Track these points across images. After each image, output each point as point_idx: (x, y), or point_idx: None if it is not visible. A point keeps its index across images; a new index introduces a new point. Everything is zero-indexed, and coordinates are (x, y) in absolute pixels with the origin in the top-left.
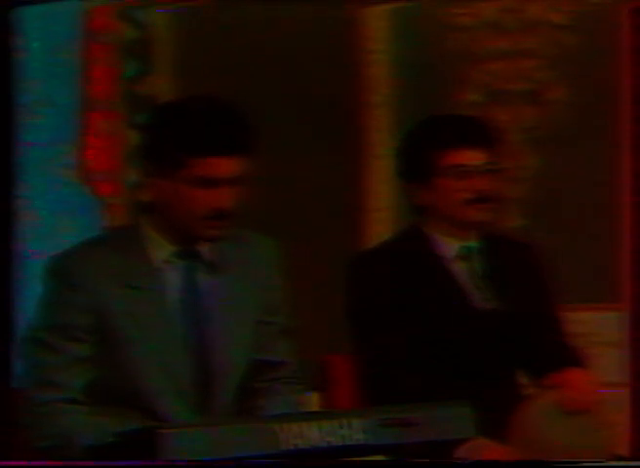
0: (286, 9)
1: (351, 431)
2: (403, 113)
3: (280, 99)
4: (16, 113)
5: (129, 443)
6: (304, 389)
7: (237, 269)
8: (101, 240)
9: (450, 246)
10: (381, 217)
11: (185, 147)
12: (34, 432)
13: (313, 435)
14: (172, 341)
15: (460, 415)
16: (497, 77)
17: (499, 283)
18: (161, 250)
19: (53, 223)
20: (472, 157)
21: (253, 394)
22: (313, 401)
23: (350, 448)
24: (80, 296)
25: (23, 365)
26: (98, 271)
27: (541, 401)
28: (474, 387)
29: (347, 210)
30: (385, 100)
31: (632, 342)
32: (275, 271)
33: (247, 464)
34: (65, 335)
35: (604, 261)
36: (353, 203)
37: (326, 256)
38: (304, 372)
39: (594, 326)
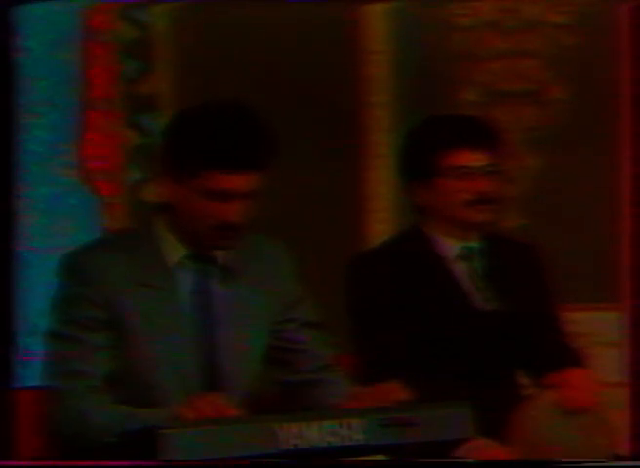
0: (286, 9)
1: (351, 431)
2: (403, 113)
3: (280, 99)
4: (16, 113)
5: (129, 443)
6: (347, 378)
7: (250, 274)
8: (115, 238)
9: (450, 246)
10: (382, 218)
11: (199, 159)
12: (58, 422)
13: (313, 435)
14: (182, 342)
15: (460, 415)
16: (497, 77)
17: (499, 283)
18: (175, 251)
19: (53, 223)
20: (474, 158)
21: (301, 388)
22: None
23: (350, 448)
24: (94, 292)
25: (46, 360)
26: (111, 268)
27: (541, 401)
28: (474, 387)
29: (348, 210)
30: (385, 100)
31: (632, 342)
32: (289, 273)
33: (247, 464)
34: (83, 327)
35: (604, 261)
36: (353, 203)
37: (326, 257)
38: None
39: (594, 326)
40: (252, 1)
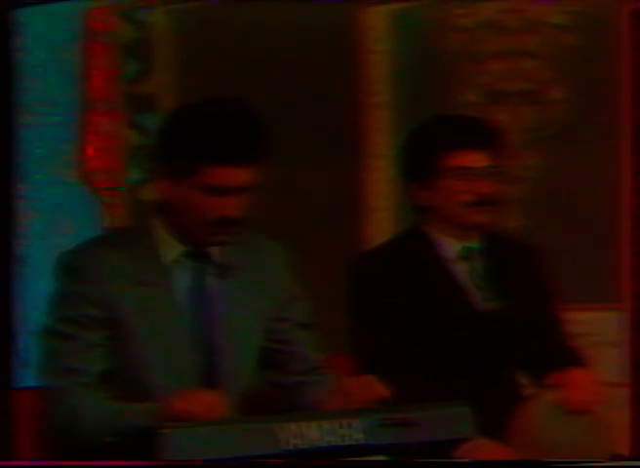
0: (286, 9)
1: (351, 431)
2: (403, 113)
3: (280, 99)
4: (16, 113)
5: (129, 443)
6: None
7: (247, 272)
8: (112, 237)
9: (451, 246)
10: (382, 218)
11: (197, 154)
12: (52, 420)
13: (313, 435)
14: (178, 340)
15: (460, 415)
16: (497, 77)
17: (500, 283)
18: (171, 249)
19: (53, 223)
20: (475, 160)
21: (290, 389)
22: None
23: (350, 448)
24: (91, 291)
25: (41, 357)
26: (108, 266)
27: (542, 401)
28: (475, 387)
29: (348, 210)
30: (385, 100)
31: (632, 342)
32: (285, 272)
33: (247, 464)
34: (79, 325)
35: (604, 261)
36: (354, 203)
37: (327, 256)
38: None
39: (594, 326)
40: (252, 1)
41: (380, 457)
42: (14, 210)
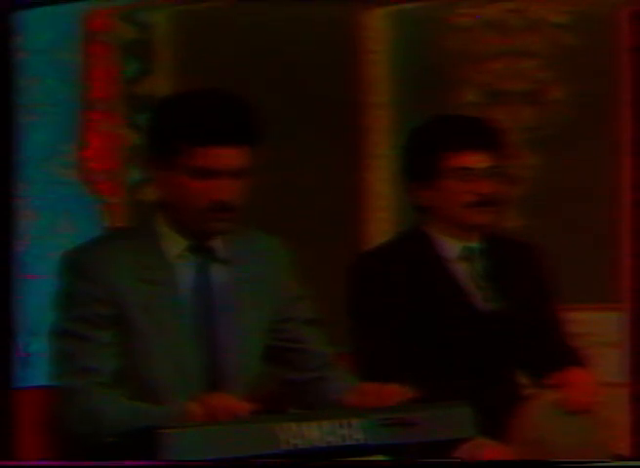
0: (287, 9)
1: (351, 431)
2: (403, 113)
3: (280, 100)
4: (16, 113)
5: (129, 443)
6: (349, 375)
7: (250, 268)
8: (115, 235)
9: (452, 246)
10: (382, 217)
11: (183, 135)
12: (70, 421)
13: (313, 435)
14: (183, 337)
15: (460, 415)
16: (497, 77)
17: (500, 283)
18: (174, 245)
19: (53, 223)
20: (477, 160)
21: (306, 386)
22: None
23: (350, 448)
24: (98, 289)
25: (53, 357)
26: (113, 265)
27: (542, 401)
28: (475, 387)
29: (348, 210)
30: (385, 101)
31: (632, 342)
32: (288, 271)
33: (247, 464)
34: (88, 324)
35: (604, 261)
36: (354, 203)
37: (327, 256)
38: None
39: (594, 326)
40: (252, 1)
41: (380, 457)
42: (14, 210)
